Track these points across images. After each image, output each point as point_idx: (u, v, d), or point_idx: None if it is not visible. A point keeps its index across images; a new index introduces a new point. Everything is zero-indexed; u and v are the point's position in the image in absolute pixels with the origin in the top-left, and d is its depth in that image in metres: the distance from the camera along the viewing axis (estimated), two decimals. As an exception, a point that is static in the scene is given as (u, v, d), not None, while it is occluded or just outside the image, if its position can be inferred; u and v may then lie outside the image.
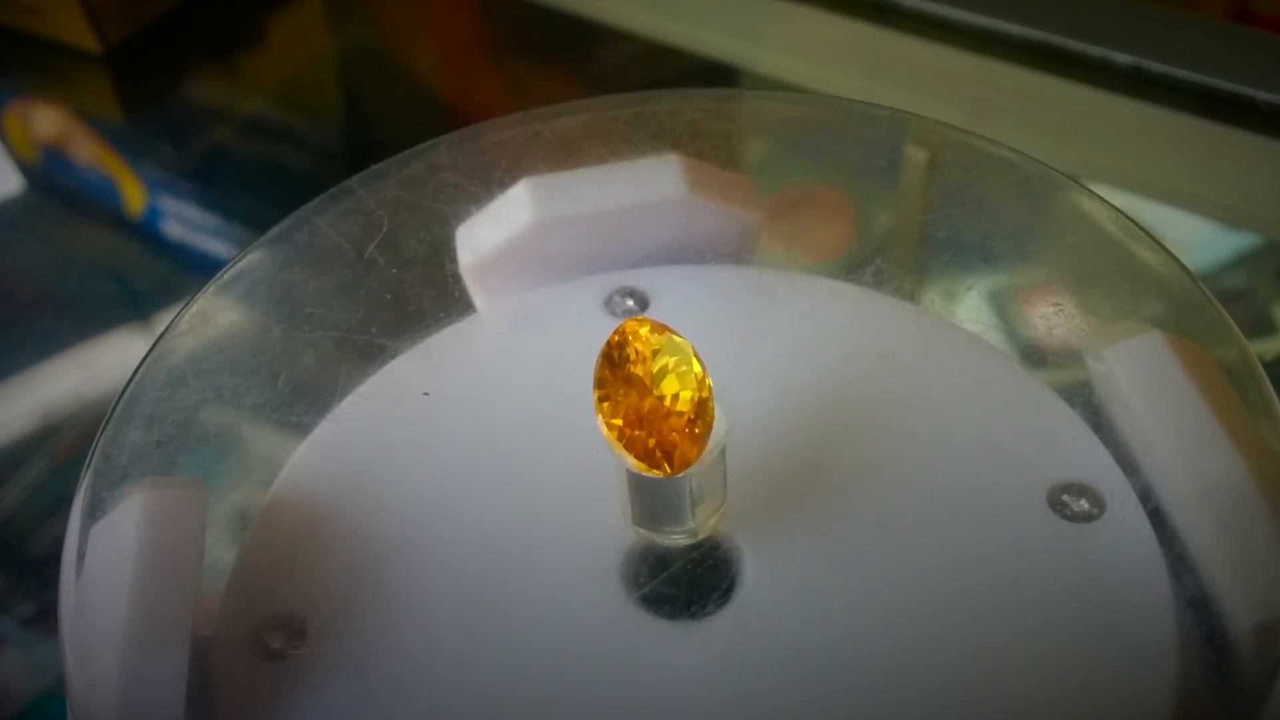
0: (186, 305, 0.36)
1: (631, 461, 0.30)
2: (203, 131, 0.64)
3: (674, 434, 0.29)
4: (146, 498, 0.31)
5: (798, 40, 0.65)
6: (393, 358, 0.37)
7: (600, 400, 0.29)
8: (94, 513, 0.32)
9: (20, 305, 0.56)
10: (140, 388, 0.35)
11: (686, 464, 0.29)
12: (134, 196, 0.60)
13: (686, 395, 0.29)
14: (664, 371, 0.29)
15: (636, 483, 0.30)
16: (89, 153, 0.63)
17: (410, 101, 0.65)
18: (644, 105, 0.41)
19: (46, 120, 0.66)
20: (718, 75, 0.64)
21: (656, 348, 0.29)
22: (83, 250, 0.59)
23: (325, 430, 0.35)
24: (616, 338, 0.29)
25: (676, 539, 0.31)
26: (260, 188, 0.58)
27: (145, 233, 0.59)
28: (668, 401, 0.29)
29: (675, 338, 0.30)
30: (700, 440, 0.29)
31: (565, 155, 0.39)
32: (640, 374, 0.29)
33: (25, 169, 0.64)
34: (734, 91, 0.42)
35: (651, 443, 0.29)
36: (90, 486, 0.32)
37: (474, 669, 0.30)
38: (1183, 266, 0.36)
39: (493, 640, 0.31)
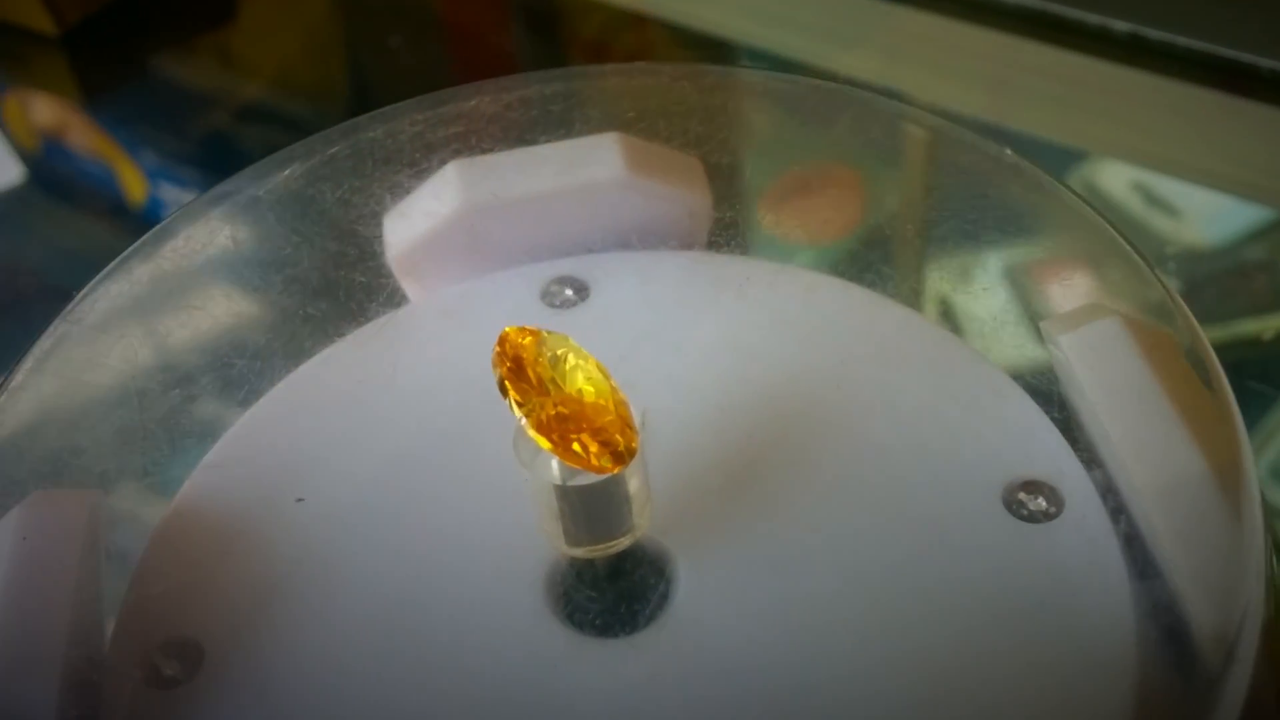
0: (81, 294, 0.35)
1: (587, 466, 0.28)
2: (168, 116, 0.63)
3: (608, 427, 0.28)
4: (26, 512, 0.29)
5: (788, 11, 0.63)
6: (313, 353, 0.35)
7: (528, 416, 0.27)
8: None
9: (21, 298, 0.55)
10: (23, 390, 0.33)
11: (633, 453, 0.28)
12: (135, 187, 0.59)
13: (592, 388, 0.28)
14: (560, 369, 0.28)
15: (573, 496, 0.29)
16: (89, 142, 0.62)
17: (413, 74, 0.64)
18: (358, 135, 0.39)
19: (46, 109, 0.64)
20: (715, 51, 0.62)
21: (542, 347, 0.28)
22: (84, 242, 0.58)
23: (234, 435, 0.34)
24: (507, 360, 0.28)
25: (617, 545, 0.30)
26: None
27: (148, 224, 0.57)
28: (581, 396, 0.28)
29: (550, 334, 0.28)
30: (632, 426, 0.28)
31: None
32: (546, 379, 0.28)
33: (26, 158, 0.63)
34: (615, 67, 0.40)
35: (591, 442, 0.28)
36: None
37: (387, 697, 0.29)
38: (1140, 254, 0.34)
39: (408, 665, 0.29)
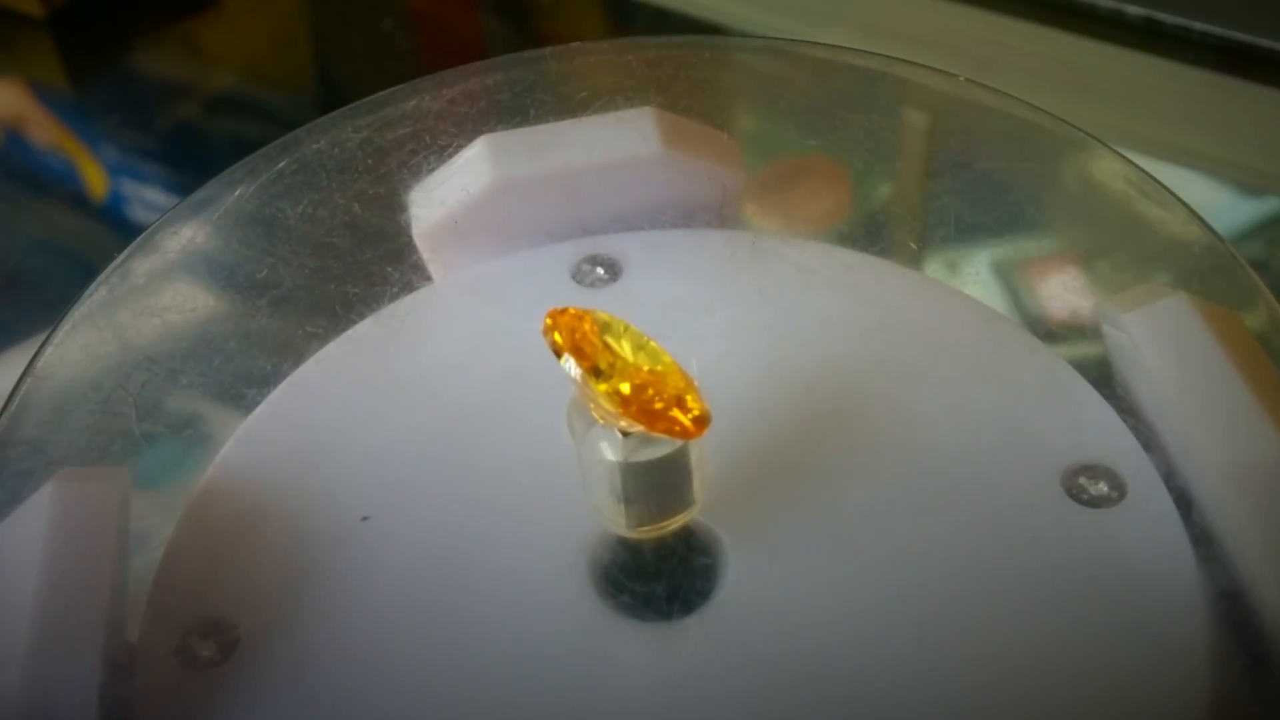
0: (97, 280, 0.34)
1: (672, 433, 0.27)
2: (157, 102, 0.62)
3: (682, 393, 0.27)
4: (57, 490, 0.28)
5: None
6: (339, 333, 0.34)
7: (607, 392, 0.27)
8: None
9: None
10: (46, 371, 0.33)
11: (710, 417, 0.27)
12: (96, 181, 0.59)
13: (647, 357, 0.27)
14: (616, 341, 0.27)
15: (640, 473, 0.28)
16: (49, 136, 0.61)
17: (386, 64, 0.63)
18: (300, 149, 0.38)
19: (6, 100, 0.63)
20: (694, 32, 0.61)
21: (592, 322, 0.27)
22: (45, 235, 0.57)
23: (262, 414, 0.33)
24: (563, 335, 0.27)
25: (679, 521, 0.29)
26: (221, 164, 0.56)
27: (110, 217, 0.57)
28: (645, 366, 0.27)
29: (588, 310, 0.28)
30: (697, 388, 0.27)
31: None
32: (611, 351, 0.27)
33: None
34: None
35: (673, 409, 0.27)
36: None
37: (426, 679, 0.28)
38: (1208, 225, 0.34)
39: (448, 647, 0.28)
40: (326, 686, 0.28)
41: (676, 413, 0.27)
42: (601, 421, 0.27)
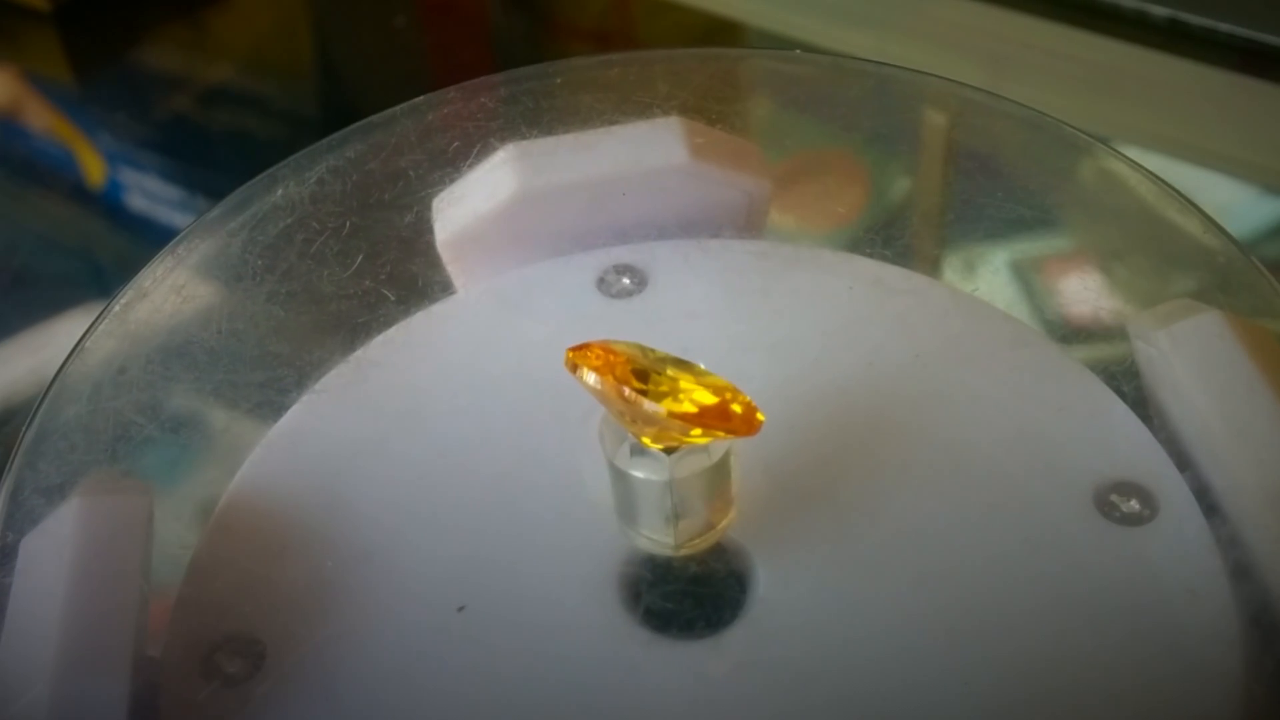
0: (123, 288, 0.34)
1: (739, 431, 0.27)
2: (162, 96, 0.62)
3: (728, 391, 0.27)
4: (83, 504, 0.28)
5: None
6: (362, 344, 0.34)
7: (670, 406, 0.26)
8: (18, 522, 0.29)
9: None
10: (70, 379, 0.32)
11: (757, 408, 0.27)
12: (94, 169, 0.59)
13: (675, 368, 0.27)
14: (649, 358, 0.27)
15: (691, 486, 0.28)
16: (45, 123, 0.61)
17: (390, 58, 0.62)
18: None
19: (1, 87, 0.63)
20: (721, 31, 0.62)
21: (621, 354, 0.27)
22: (41, 224, 0.57)
23: (287, 426, 0.33)
24: (601, 364, 0.27)
25: (724, 526, 0.29)
26: (224, 157, 0.56)
27: (108, 206, 0.57)
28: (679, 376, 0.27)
29: (606, 342, 0.27)
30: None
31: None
32: (653, 370, 0.27)
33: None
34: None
35: (725, 407, 0.27)
36: (12, 492, 0.30)
37: (456, 697, 0.28)
38: (1228, 235, 0.34)
39: (477, 664, 0.28)
40: (353, 703, 0.28)
41: (735, 407, 0.26)
42: (650, 444, 0.27)
